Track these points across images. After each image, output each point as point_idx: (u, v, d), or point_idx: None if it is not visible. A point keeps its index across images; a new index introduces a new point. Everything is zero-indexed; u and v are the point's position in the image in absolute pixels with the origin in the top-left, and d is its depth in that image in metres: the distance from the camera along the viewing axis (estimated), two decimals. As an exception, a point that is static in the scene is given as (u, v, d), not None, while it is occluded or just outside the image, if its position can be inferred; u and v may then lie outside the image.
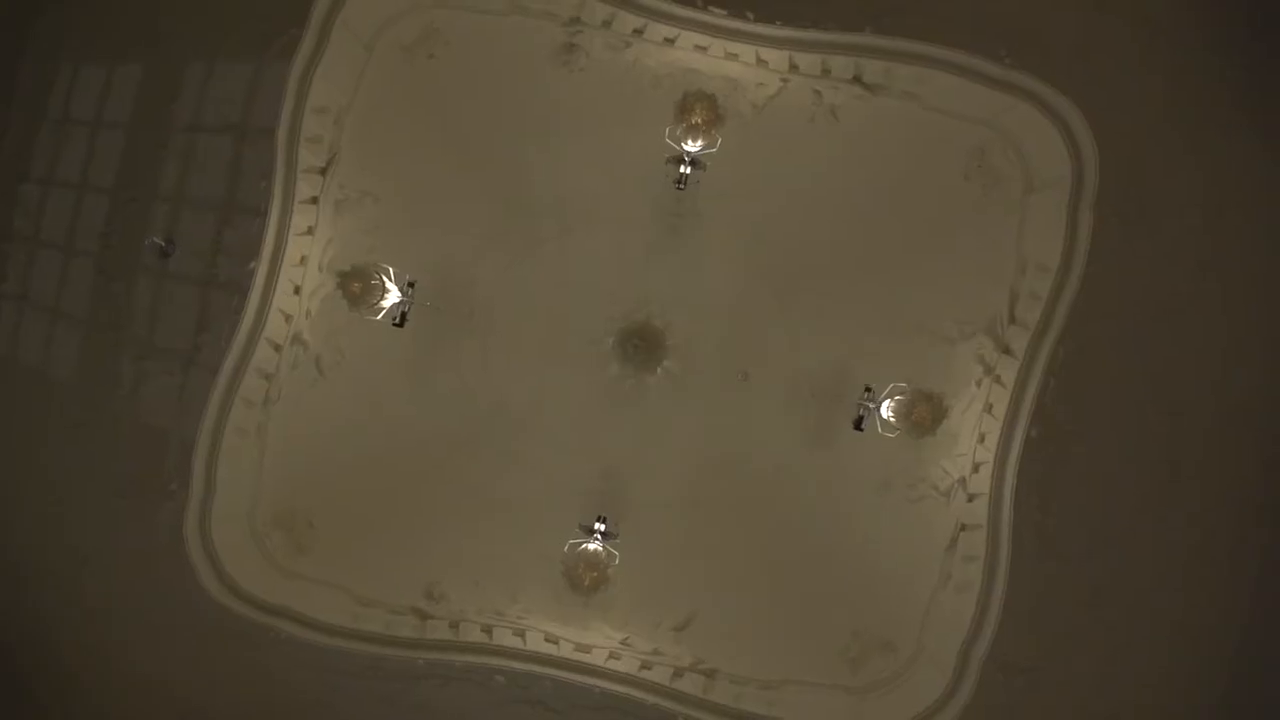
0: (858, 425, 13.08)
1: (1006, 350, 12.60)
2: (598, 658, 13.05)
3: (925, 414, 12.64)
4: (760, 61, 12.82)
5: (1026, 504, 12.11)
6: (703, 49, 12.83)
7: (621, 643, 13.32)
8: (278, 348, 12.92)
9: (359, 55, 12.83)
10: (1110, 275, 11.80)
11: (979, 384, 12.90)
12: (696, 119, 12.70)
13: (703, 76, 12.99)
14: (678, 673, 13.06)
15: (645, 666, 13.08)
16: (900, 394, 12.77)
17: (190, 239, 12.28)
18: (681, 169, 12.97)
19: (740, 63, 12.88)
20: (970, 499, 12.78)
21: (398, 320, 12.95)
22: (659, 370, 14.25)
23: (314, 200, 12.84)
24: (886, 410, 12.84)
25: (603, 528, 13.10)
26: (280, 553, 13.13)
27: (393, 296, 12.64)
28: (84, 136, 12.32)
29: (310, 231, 12.90)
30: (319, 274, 13.10)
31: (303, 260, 12.91)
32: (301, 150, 12.37)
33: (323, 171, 12.86)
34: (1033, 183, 12.52)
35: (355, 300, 12.43)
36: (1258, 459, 11.46)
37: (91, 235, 12.34)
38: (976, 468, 12.72)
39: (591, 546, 12.97)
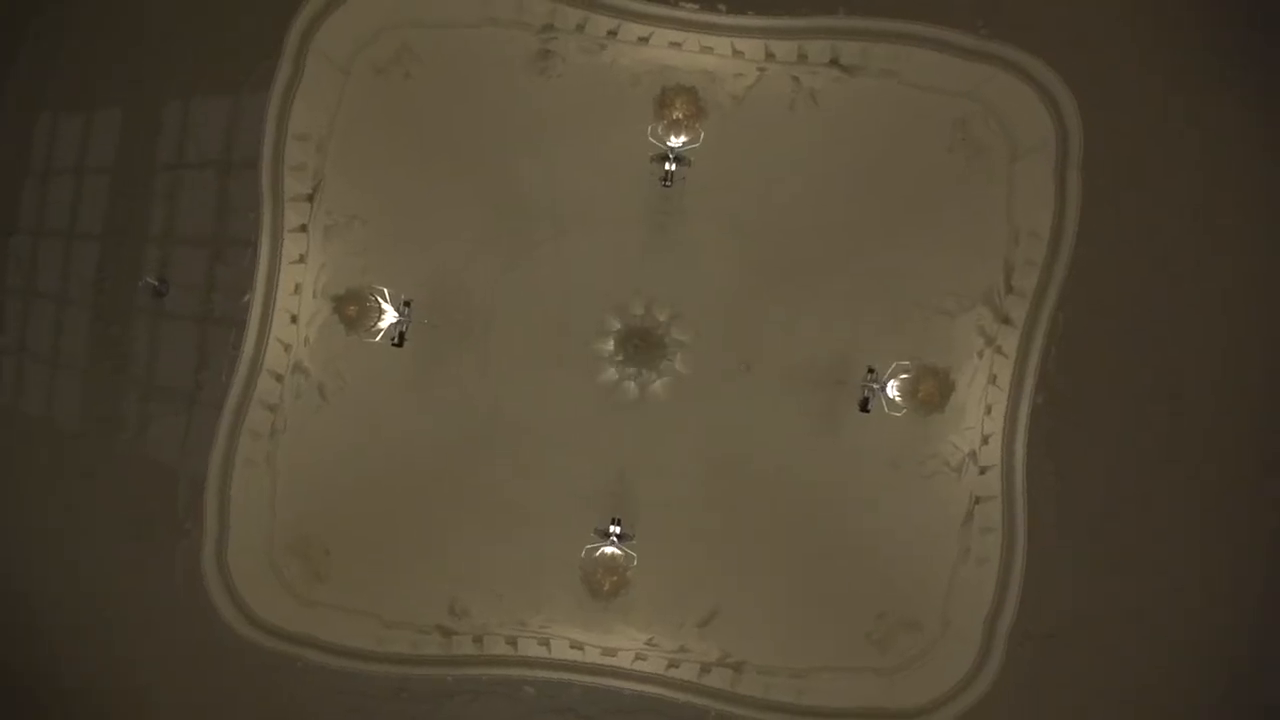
0: (864, 407, 13.06)
1: (1006, 320, 12.57)
2: (624, 660, 13.02)
3: (932, 390, 12.61)
4: (736, 52, 12.80)
5: (1039, 471, 12.11)
6: (677, 45, 12.82)
7: (647, 643, 13.30)
8: (279, 378, 12.92)
9: (336, 80, 12.83)
10: (1105, 237, 11.80)
11: (981, 355, 12.88)
12: (678, 113, 12.70)
13: (680, 72, 12.98)
14: (705, 668, 13.02)
15: (672, 665, 13.05)
16: (904, 372, 12.75)
17: (183, 277, 12.29)
18: (666, 166, 12.98)
19: (716, 55, 12.87)
20: (982, 471, 12.75)
21: (396, 340, 12.98)
22: (661, 368, 14.25)
23: (303, 228, 12.83)
24: (892, 389, 12.82)
25: (618, 530, 13.09)
26: (299, 582, 13.12)
27: (389, 317, 12.66)
28: (69, 184, 12.33)
29: (302, 259, 12.89)
30: (314, 301, 13.10)
31: (297, 288, 12.91)
32: (286, 179, 12.38)
33: (309, 198, 12.86)
34: (1017, 150, 12.50)
35: (352, 324, 12.44)
36: (1259, 419, 11.49)
37: (85, 281, 12.35)
38: (986, 439, 12.69)
39: (608, 550, 12.96)
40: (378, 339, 12.78)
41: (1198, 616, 11.56)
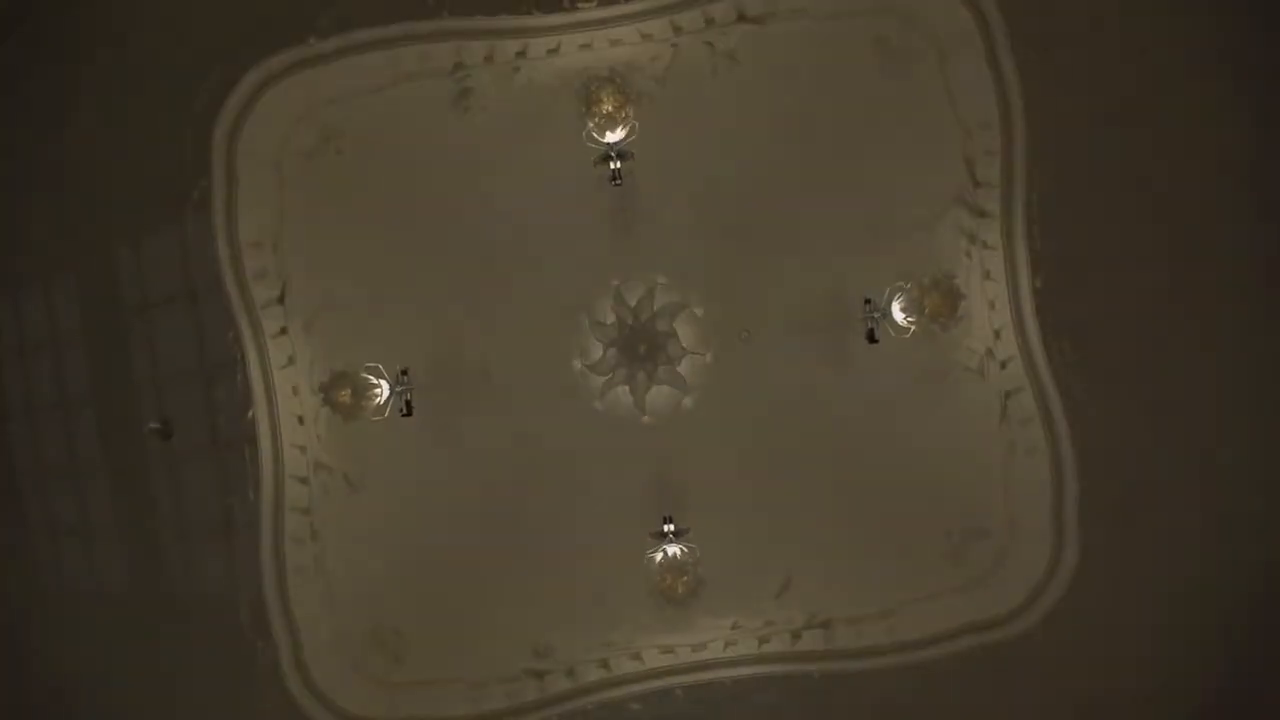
0: (871, 338, 13.00)
1: (982, 214, 12.51)
2: (715, 650, 13.07)
3: (939, 302, 12.52)
4: (645, 37, 12.77)
5: (1058, 349, 12.09)
6: (587, 46, 12.80)
7: (732, 627, 13.30)
8: (304, 480, 12.97)
9: (271, 178, 12.83)
10: (1052, 104, 11.75)
11: (969, 255, 12.80)
12: (608, 106, 12.61)
13: (597, 71, 12.91)
14: (796, 635, 13.05)
15: (763, 641, 13.09)
16: (900, 293, 12.69)
17: (184, 412, 12.39)
18: (611, 165, 12.91)
19: (627, 45, 12.83)
20: (1003, 366, 12.71)
21: (405, 411, 12.95)
22: (666, 362, 14.18)
23: (283, 330, 12.87)
24: (898, 312, 12.75)
25: (671, 528, 13.06)
26: (382, 669, 13.15)
27: (385, 390, 12.60)
28: (47, 358, 12.41)
29: (291, 361, 12.93)
30: (314, 397, 13.01)
31: (295, 390, 12.94)
32: (253, 289, 12.45)
33: (280, 300, 12.89)
34: (944, 49, 12.39)
35: (349, 409, 12.35)
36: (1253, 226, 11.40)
37: (91, 445, 12.44)
38: (998, 334, 12.66)
39: (669, 550, 12.93)
40: (385, 414, 12.76)
41: (1257, 436, 11.50)
